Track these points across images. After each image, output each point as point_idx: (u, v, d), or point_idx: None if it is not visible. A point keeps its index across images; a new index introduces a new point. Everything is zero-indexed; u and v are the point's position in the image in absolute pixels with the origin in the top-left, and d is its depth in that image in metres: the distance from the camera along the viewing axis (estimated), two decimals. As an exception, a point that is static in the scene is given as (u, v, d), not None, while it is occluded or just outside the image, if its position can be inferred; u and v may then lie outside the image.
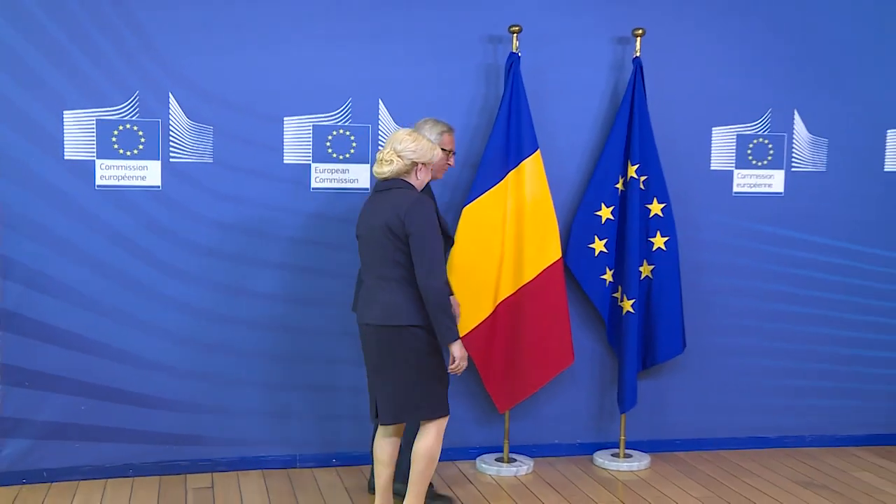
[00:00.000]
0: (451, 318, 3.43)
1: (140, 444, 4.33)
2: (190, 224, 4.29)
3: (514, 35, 4.35)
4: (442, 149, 3.85)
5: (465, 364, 3.49)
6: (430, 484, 3.95)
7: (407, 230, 3.40)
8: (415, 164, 3.50)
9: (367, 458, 4.46)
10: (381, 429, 3.64)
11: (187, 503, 4.03)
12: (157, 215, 4.26)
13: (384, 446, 3.63)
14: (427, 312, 3.42)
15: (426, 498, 3.72)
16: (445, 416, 3.56)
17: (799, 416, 5.01)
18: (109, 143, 4.18)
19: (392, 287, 3.45)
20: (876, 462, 4.79)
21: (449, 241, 3.65)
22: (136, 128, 4.20)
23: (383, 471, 3.63)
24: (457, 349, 3.44)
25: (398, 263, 3.43)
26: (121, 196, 4.21)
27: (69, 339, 4.21)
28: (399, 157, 3.48)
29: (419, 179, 3.54)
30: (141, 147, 4.21)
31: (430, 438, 3.53)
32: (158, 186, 4.24)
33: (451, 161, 4.04)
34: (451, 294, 3.77)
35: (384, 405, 3.53)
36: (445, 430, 3.58)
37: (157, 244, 4.27)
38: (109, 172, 4.19)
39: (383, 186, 3.54)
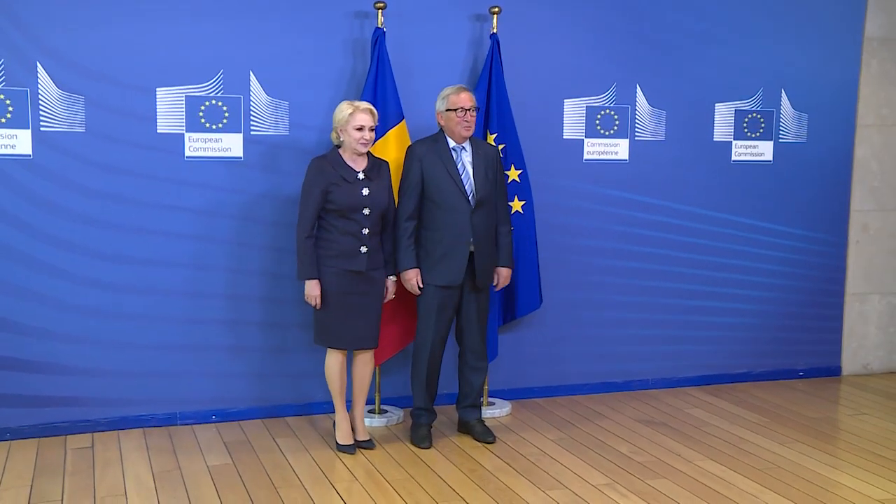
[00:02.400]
0: (302, 262, 4.08)
1: (18, 409, 4.31)
2: (64, 192, 4.29)
3: (380, 11, 4.48)
4: (449, 109, 4.26)
5: (312, 301, 4.12)
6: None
7: None
8: (337, 129, 4.11)
9: (245, 414, 4.69)
10: None
11: (66, 463, 4.05)
12: (30, 184, 4.24)
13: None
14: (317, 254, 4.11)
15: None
16: (325, 346, 4.21)
17: (643, 362, 5.39)
18: (-24, 111, 4.13)
19: None
20: (706, 399, 5.26)
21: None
22: (2, 96, 4.16)
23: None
24: (306, 287, 4.11)
25: None
26: (-10, 165, 4.19)
27: (-58, 307, 4.16)
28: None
29: (344, 142, 4.11)
30: (9, 116, 4.18)
31: (326, 360, 4.26)
32: (29, 155, 4.23)
33: (463, 117, 4.24)
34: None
35: None
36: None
37: (31, 212, 4.25)
38: (-23, 141, 4.16)
39: None
